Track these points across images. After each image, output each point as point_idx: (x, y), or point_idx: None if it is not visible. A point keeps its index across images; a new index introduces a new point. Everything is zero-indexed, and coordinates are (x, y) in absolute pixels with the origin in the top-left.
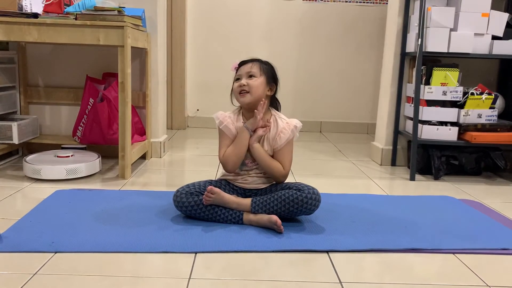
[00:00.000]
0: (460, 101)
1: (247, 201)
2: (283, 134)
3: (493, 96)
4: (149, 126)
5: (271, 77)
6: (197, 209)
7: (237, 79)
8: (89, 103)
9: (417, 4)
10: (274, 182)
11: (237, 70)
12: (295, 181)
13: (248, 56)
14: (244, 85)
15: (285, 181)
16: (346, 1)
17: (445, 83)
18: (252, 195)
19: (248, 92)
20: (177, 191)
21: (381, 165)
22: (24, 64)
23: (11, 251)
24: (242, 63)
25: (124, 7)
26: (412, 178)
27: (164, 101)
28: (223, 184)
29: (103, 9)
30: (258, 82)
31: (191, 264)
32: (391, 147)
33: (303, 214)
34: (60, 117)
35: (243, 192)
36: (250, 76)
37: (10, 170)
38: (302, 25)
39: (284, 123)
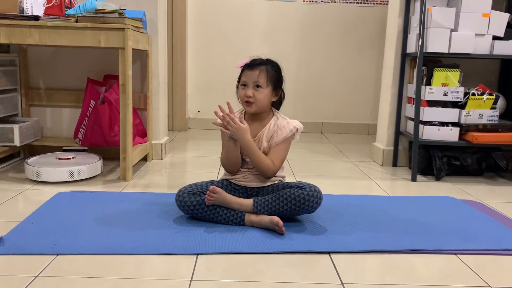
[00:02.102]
0: (461, 101)
1: (249, 202)
2: (280, 132)
3: (494, 97)
4: (150, 128)
5: (277, 83)
6: (199, 208)
7: (243, 85)
8: (90, 105)
9: (418, 4)
10: (276, 182)
11: (243, 70)
12: (296, 181)
13: (249, 56)
14: (250, 96)
15: (286, 181)
16: (347, 2)
17: (446, 84)
18: (254, 194)
19: (253, 103)
20: (180, 190)
21: (382, 165)
22: (25, 67)
23: (12, 254)
24: (250, 66)
25: (124, 9)
26: (414, 179)
27: (165, 103)
28: (225, 184)
29: (104, 12)
30: (264, 94)
31: (193, 265)
32: (392, 148)
33: (305, 212)
34: (61, 119)
35: (245, 191)
36: (257, 86)
37: (12, 172)
38: (302, 26)
39: (285, 122)
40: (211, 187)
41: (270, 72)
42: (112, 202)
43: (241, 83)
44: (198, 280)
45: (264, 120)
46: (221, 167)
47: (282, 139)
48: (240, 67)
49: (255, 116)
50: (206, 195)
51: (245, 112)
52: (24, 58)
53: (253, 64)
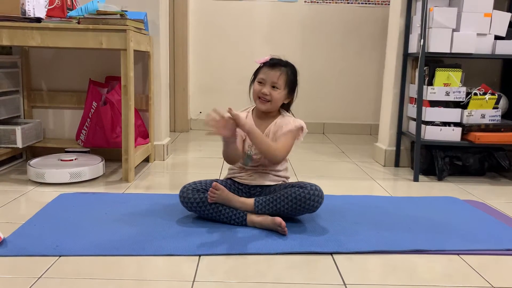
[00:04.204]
0: (463, 101)
1: (251, 201)
2: (285, 126)
3: (496, 96)
4: (152, 129)
5: (292, 88)
6: (202, 206)
7: (260, 82)
8: (92, 106)
9: (419, 4)
10: (280, 182)
11: (261, 66)
12: (297, 181)
13: (249, 56)
14: (267, 94)
15: (288, 181)
16: (348, 2)
17: (448, 84)
18: (257, 194)
19: (269, 101)
20: (184, 187)
21: (384, 166)
22: (27, 68)
23: (15, 255)
24: (271, 65)
25: (126, 11)
26: (416, 179)
27: (167, 104)
28: (229, 183)
29: (105, 13)
30: (280, 96)
31: (195, 267)
32: (394, 148)
33: (306, 211)
34: (63, 120)
35: (248, 191)
36: (274, 87)
37: (14, 174)
38: (304, 27)
39: (291, 119)
40: (214, 183)
41: (290, 76)
42: (114, 203)
43: (258, 80)
44: (201, 281)
45: (270, 119)
46: (224, 167)
47: (287, 131)
48: (260, 63)
49: (263, 115)
50: (208, 192)
51: (252, 110)
52: (26, 60)
53: (275, 64)
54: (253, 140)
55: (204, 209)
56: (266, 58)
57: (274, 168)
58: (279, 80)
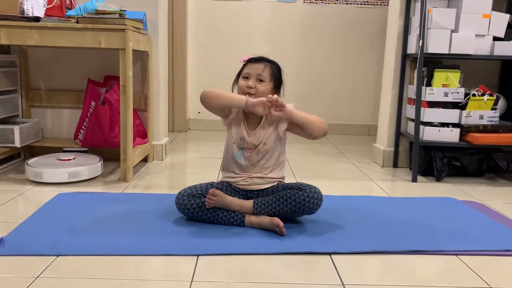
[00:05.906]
0: (462, 102)
1: (249, 203)
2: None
3: (494, 97)
4: (151, 128)
5: (278, 83)
6: (199, 211)
7: (245, 77)
8: (91, 106)
9: (418, 5)
10: (275, 183)
11: (245, 64)
12: (296, 182)
13: (252, 53)
14: (252, 87)
15: (286, 182)
16: (347, 3)
17: (446, 84)
18: (254, 196)
19: (254, 94)
20: (179, 193)
21: (382, 166)
22: (25, 68)
23: (13, 255)
24: (253, 60)
25: (125, 10)
26: (414, 180)
27: (166, 104)
28: (225, 186)
29: (104, 13)
30: (266, 88)
31: (193, 266)
32: (392, 149)
33: (305, 213)
34: (61, 120)
35: (245, 194)
36: (260, 80)
37: (12, 173)
38: (303, 27)
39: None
40: (211, 190)
41: (274, 70)
42: (112, 203)
43: (242, 75)
44: (199, 281)
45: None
46: (221, 168)
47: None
48: (244, 61)
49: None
50: (206, 199)
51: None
52: (25, 59)
53: (259, 59)
54: (298, 118)
55: (201, 214)
56: (250, 55)
57: (269, 171)
58: (264, 72)
